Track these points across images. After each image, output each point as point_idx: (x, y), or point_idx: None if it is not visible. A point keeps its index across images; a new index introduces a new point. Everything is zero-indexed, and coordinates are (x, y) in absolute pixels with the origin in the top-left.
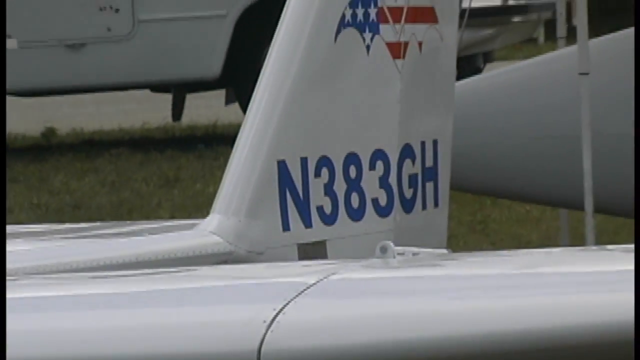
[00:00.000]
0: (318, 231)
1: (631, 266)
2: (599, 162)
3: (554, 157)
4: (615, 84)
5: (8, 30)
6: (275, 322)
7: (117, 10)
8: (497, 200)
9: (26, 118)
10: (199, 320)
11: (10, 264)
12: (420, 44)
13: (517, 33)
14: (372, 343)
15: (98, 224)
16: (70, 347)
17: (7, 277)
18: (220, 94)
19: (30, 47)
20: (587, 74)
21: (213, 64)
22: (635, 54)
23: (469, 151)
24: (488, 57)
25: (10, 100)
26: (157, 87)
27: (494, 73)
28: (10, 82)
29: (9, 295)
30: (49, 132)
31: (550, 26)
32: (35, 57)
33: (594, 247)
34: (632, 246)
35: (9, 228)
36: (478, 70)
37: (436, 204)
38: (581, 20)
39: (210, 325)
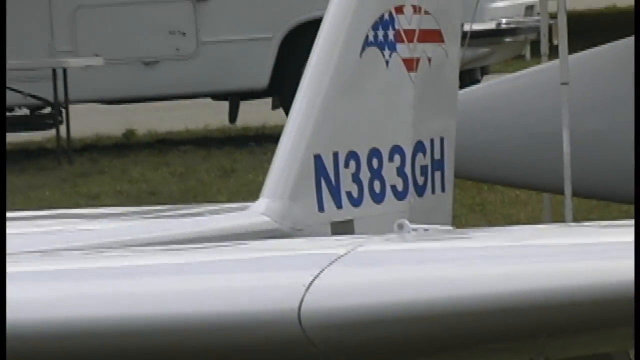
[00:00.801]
0: (347, 211)
1: (605, 239)
2: (576, 155)
3: (539, 150)
4: (590, 91)
5: (97, 50)
6: (312, 285)
7: (184, 34)
8: (492, 187)
9: (111, 121)
10: (250, 284)
11: (101, 239)
12: (429, 59)
13: (508, 51)
14: (393, 302)
15: (169, 206)
16: (150, 306)
17: (100, 249)
18: (268, 101)
19: (114, 64)
20: (566, 83)
21: (262, 77)
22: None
23: (469, 146)
24: (484, 71)
25: (97, 107)
26: (217, 96)
27: (490, 83)
28: (98, 92)
29: (102, 263)
30: (129, 133)
31: (535, 45)
32: (118, 72)
33: (572, 224)
34: (606, 222)
35: (100, 210)
36: (476, 81)
37: (443, 190)
38: (562, 39)
39: (258, 288)
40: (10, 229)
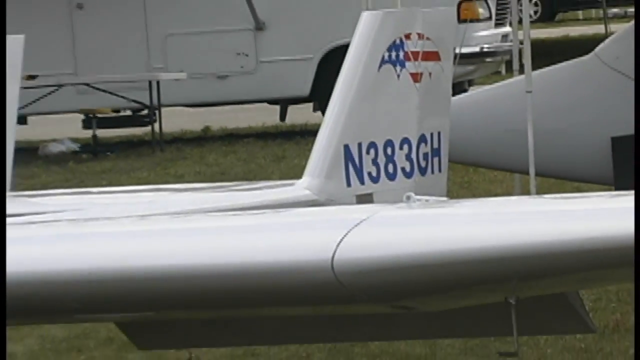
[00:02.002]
0: (368, 187)
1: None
2: (538, 145)
3: (511, 142)
4: (547, 97)
5: (182, 67)
6: (342, 241)
7: (247, 55)
8: (476, 169)
9: (192, 120)
10: (295, 240)
11: (184, 207)
12: (430, 73)
13: (488, 68)
14: (403, 253)
15: (235, 183)
16: (219, 256)
17: (184, 214)
18: (309, 105)
19: (195, 77)
20: (530, 91)
21: (305, 87)
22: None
23: (459, 138)
24: (470, 83)
25: (182, 109)
26: (271, 102)
27: (474, 92)
28: (183, 98)
29: (186, 225)
30: (206, 129)
31: (508, 64)
32: (198, 83)
33: (536, 196)
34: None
35: (183, 186)
36: (464, 91)
37: (440, 171)
38: (527, 59)
39: (303, 242)
40: (118, 199)
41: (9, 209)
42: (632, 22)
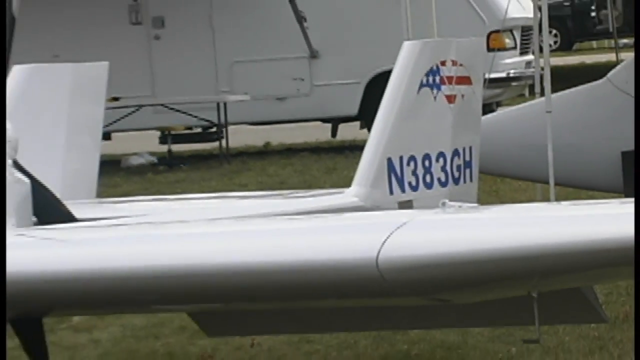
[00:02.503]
0: (408, 195)
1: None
2: (557, 158)
3: (533, 155)
4: (564, 117)
5: (246, 90)
6: (385, 242)
7: (302, 79)
8: (503, 179)
9: (255, 136)
10: (345, 240)
11: (248, 212)
12: (462, 96)
13: (513, 91)
14: (439, 252)
15: (292, 191)
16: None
17: (247, 218)
18: (357, 123)
19: (257, 99)
20: (550, 112)
21: (353, 108)
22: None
23: (488, 152)
24: (498, 104)
25: (246, 127)
26: (324, 120)
27: (501, 112)
28: (246, 117)
29: (249, 227)
30: (267, 144)
31: (531, 87)
32: (260, 104)
33: (555, 203)
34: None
35: (247, 193)
36: (493, 111)
37: (471, 180)
38: (547, 83)
39: (353, 242)
40: (190, 205)
41: (97, 214)
42: None
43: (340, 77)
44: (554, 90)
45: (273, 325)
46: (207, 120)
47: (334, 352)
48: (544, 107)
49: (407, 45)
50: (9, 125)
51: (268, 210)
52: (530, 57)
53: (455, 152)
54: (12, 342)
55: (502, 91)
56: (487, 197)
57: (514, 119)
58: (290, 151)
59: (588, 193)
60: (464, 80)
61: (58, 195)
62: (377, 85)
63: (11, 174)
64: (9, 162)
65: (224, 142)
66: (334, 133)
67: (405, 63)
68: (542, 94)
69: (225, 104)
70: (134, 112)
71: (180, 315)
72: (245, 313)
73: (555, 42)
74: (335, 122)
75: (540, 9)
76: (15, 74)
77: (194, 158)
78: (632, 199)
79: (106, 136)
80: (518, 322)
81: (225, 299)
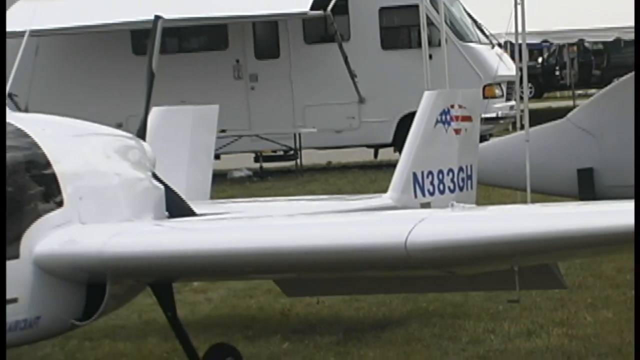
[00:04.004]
0: (427, 198)
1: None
2: (532, 173)
3: (515, 171)
4: (538, 144)
5: (314, 125)
6: (412, 231)
7: (353, 118)
8: (494, 188)
9: (320, 157)
10: (381, 229)
11: (314, 210)
12: (465, 129)
13: (501, 127)
14: (451, 238)
15: (344, 195)
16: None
17: (312, 214)
18: (391, 148)
19: (321, 131)
20: (528, 140)
21: (389, 137)
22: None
23: (483, 169)
24: (491, 135)
25: (314, 151)
26: (368, 146)
27: (493, 140)
28: (314, 143)
29: (315, 221)
30: (328, 163)
31: (514, 124)
32: (324, 135)
33: (531, 204)
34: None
35: (314, 197)
36: (486, 140)
37: (472, 188)
38: (526, 121)
39: (387, 231)
40: (274, 205)
41: (209, 210)
42: (590, 99)
43: (380, 116)
44: (530, 126)
45: (332, 289)
46: (287, 146)
47: (374, 308)
48: (524, 137)
49: (426, 94)
50: (148, 148)
51: (329, 209)
52: (512, 102)
53: (460, 169)
54: (151, 300)
55: (493, 126)
56: (482, 200)
57: (502, 146)
58: (345, 168)
59: (553, 198)
60: (467, 118)
61: (183, 197)
62: (405, 122)
63: (151, 182)
64: (148, 173)
65: (298, 161)
66: (375, 155)
67: (425, 106)
68: (522, 128)
69: (299, 135)
70: (235, 140)
71: (268, 282)
72: (313, 280)
73: (530, 92)
74: (376, 147)
75: (521, 69)
76: (154, 114)
77: (278, 172)
78: (584, 202)
79: (217, 157)
80: (503, 288)
81: (298, 270)
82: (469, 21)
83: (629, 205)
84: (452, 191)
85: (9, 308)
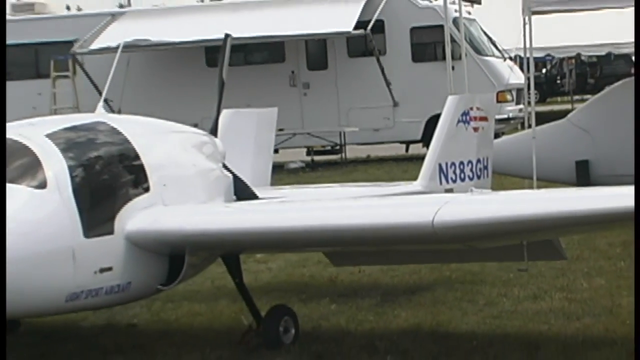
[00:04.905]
0: (450, 185)
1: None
2: (538, 164)
3: (524, 162)
4: (543, 140)
5: (356, 124)
6: (438, 211)
7: (388, 119)
8: (506, 176)
9: (362, 151)
10: (412, 210)
11: (354, 195)
12: (482, 128)
13: (511, 126)
14: (473, 217)
15: (382, 182)
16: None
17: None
18: (420, 144)
19: (363, 130)
20: (534, 137)
21: (418, 134)
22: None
23: (497, 160)
24: (503, 133)
25: (357, 146)
26: (401, 142)
27: (505, 137)
28: (357, 140)
29: (358, 203)
30: (368, 156)
31: (522, 124)
32: (365, 133)
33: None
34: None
35: (356, 184)
36: (498, 137)
37: (487, 177)
38: (532, 121)
39: (418, 211)
40: (323, 190)
41: (270, 195)
42: (585, 103)
43: (411, 117)
44: (536, 125)
45: (372, 260)
46: (334, 142)
47: (406, 276)
48: (531, 135)
49: (450, 98)
50: (219, 143)
51: (369, 193)
52: (521, 106)
53: (478, 160)
54: (222, 268)
55: (505, 126)
56: (496, 186)
57: (513, 142)
58: (382, 160)
59: (555, 185)
60: (483, 119)
61: (248, 184)
62: (432, 122)
63: (222, 171)
64: (220, 164)
65: (343, 155)
66: (407, 149)
67: (449, 108)
68: (529, 127)
69: (344, 133)
70: (291, 137)
71: (318, 254)
72: (356, 252)
73: (536, 98)
74: (407, 143)
75: (528, 78)
76: (224, 115)
77: (326, 164)
78: (581, 188)
79: (276, 151)
80: (514, 259)
81: (344, 244)
82: (485, 38)
83: (618, 190)
84: (471, 179)
85: (106, 275)
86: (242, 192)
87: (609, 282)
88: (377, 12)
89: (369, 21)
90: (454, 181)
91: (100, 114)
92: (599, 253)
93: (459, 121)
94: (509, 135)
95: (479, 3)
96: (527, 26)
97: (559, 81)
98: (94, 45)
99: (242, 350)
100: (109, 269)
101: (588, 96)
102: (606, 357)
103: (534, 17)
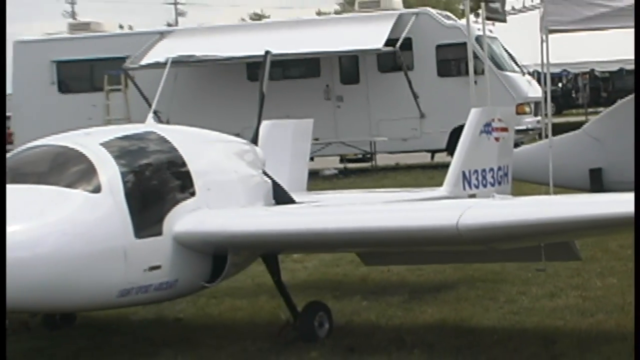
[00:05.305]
0: (474, 191)
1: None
2: (554, 172)
3: (542, 170)
4: (560, 149)
5: (385, 135)
6: (462, 215)
7: (415, 129)
8: (525, 183)
9: (391, 159)
10: (438, 214)
11: (381, 200)
12: (503, 138)
13: (530, 136)
14: (495, 220)
15: (411, 188)
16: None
17: (381, 203)
18: (445, 153)
19: (392, 139)
20: (551, 146)
21: (443, 143)
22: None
23: (516, 168)
24: (522, 143)
25: (386, 155)
26: (427, 151)
27: (524, 147)
28: (386, 149)
29: (385, 207)
30: (397, 164)
31: (540, 135)
32: (393, 142)
33: (553, 195)
34: (566, 195)
35: (386, 189)
36: (517, 146)
37: (507, 183)
38: (550, 132)
39: (443, 215)
40: (356, 195)
41: (306, 199)
42: (599, 115)
43: (437, 128)
44: (552, 135)
45: (400, 260)
46: (365, 151)
47: (432, 275)
48: (548, 144)
49: (473, 110)
50: (259, 151)
51: (398, 198)
52: (539, 118)
53: (499, 168)
54: (262, 267)
55: (523, 136)
56: (516, 192)
57: (531, 151)
58: (410, 167)
59: (570, 191)
60: (504, 129)
61: (286, 189)
62: (456, 132)
63: (261, 177)
64: (260, 171)
65: (374, 162)
66: (432, 158)
67: (472, 120)
68: (546, 137)
69: (375, 142)
70: (325, 146)
71: (351, 254)
72: (386, 252)
73: (552, 110)
74: (433, 152)
75: (545, 92)
76: (264, 126)
77: (358, 171)
78: (594, 194)
79: (311, 159)
80: (532, 259)
81: (375, 245)
82: (505, 55)
83: (629, 197)
84: (492, 185)
85: (155, 273)
86: (281, 196)
87: (621, 282)
88: (406, 30)
89: (398, 39)
90: (477, 187)
91: (150, 125)
92: (611, 254)
93: (481, 132)
94: (528, 144)
95: (504, 21)
96: (545, 44)
97: (574, 95)
98: (144, 61)
99: (280, 343)
100: (158, 267)
101: (601, 109)
102: (617, 351)
103: (551, 36)
